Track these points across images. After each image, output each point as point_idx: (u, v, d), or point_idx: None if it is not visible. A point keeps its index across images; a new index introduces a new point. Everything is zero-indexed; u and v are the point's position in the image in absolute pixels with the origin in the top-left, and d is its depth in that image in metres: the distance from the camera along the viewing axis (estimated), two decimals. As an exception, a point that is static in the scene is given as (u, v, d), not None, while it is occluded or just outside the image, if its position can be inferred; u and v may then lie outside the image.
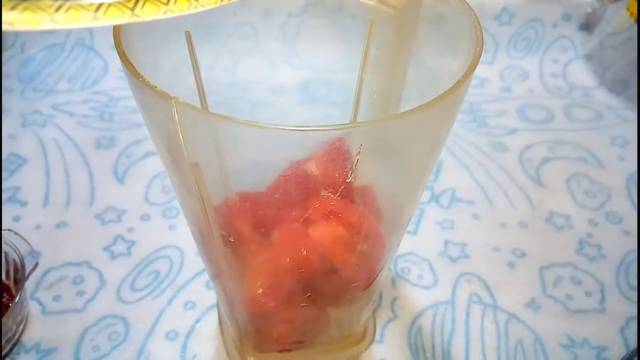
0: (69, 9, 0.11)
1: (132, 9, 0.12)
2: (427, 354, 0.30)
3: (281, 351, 0.27)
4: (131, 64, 0.16)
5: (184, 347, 0.30)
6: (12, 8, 0.10)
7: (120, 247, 0.35)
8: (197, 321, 0.31)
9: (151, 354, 0.29)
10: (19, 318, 0.29)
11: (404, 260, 0.35)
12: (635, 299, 0.33)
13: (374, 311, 0.32)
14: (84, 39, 0.50)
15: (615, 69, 0.50)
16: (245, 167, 0.18)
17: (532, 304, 0.33)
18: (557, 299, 0.33)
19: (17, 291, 0.29)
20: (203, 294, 0.32)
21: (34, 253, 0.31)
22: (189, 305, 0.32)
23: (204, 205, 0.19)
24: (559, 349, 0.31)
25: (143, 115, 0.19)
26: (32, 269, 0.30)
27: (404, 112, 0.16)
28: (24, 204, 0.37)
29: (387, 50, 0.26)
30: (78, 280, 0.33)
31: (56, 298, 0.32)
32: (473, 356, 0.30)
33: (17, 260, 0.30)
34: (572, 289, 0.34)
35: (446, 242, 0.36)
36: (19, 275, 0.30)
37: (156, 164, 0.41)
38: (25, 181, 0.39)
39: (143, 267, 0.34)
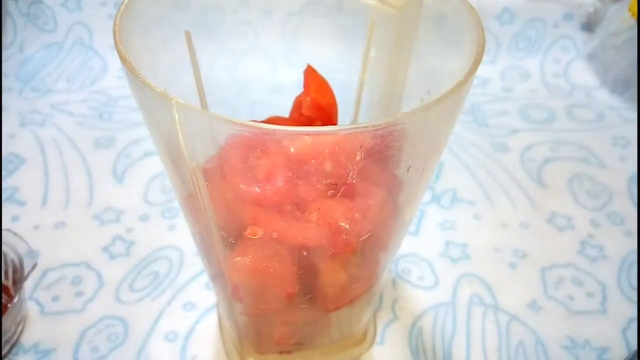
0: None
1: None
2: (428, 355, 0.30)
3: (281, 353, 0.27)
4: (131, 64, 0.16)
5: (184, 348, 0.30)
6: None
7: (119, 247, 0.35)
8: (197, 322, 0.31)
9: (150, 355, 0.29)
10: (18, 319, 0.29)
11: (405, 261, 0.35)
12: (637, 300, 0.33)
13: (375, 312, 0.32)
14: (82, 38, 0.50)
15: (617, 69, 0.50)
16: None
17: (533, 305, 0.33)
18: (558, 300, 0.33)
19: (15, 291, 0.29)
20: (203, 294, 0.32)
21: (32, 253, 0.30)
22: (189, 306, 0.32)
23: (204, 206, 0.19)
24: (561, 350, 0.31)
25: (143, 116, 0.19)
26: (30, 270, 0.30)
27: (406, 112, 0.16)
28: (22, 203, 0.37)
29: (388, 49, 0.26)
30: (77, 281, 0.33)
31: (55, 299, 0.32)
32: (474, 357, 0.30)
33: (16, 260, 0.30)
34: (573, 290, 0.34)
35: (447, 243, 0.36)
36: (18, 276, 0.29)
37: (155, 164, 0.40)
38: (23, 181, 0.39)
39: (142, 268, 0.34)
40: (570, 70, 0.53)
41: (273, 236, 0.19)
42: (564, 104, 0.49)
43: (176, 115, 0.15)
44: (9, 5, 0.49)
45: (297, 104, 0.24)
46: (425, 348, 0.30)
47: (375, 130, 0.15)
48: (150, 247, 0.35)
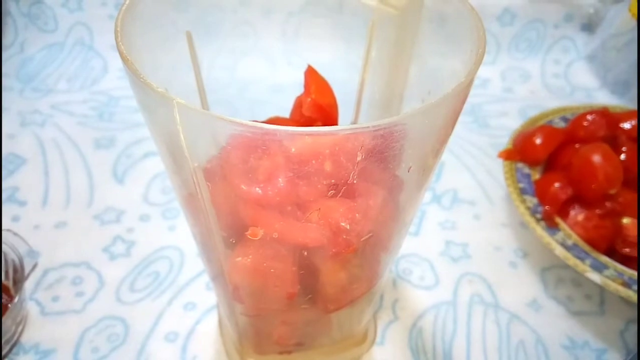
0: None
1: None
2: (429, 355, 0.30)
3: (281, 353, 0.27)
4: (132, 64, 0.16)
5: (184, 348, 0.30)
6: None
7: (120, 247, 0.35)
8: (197, 322, 0.31)
9: (151, 355, 0.29)
10: (18, 319, 0.29)
11: (406, 261, 0.35)
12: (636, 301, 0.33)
13: (375, 312, 0.32)
14: (83, 39, 0.50)
15: (618, 70, 0.50)
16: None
17: (534, 304, 0.33)
18: (558, 299, 0.33)
19: (16, 292, 0.29)
20: (203, 295, 0.32)
21: (33, 253, 0.30)
22: (189, 306, 0.32)
23: (205, 207, 0.19)
24: (560, 350, 0.31)
25: (144, 116, 0.19)
26: (31, 270, 0.30)
27: (406, 113, 0.16)
28: (22, 203, 0.37)
29: (389, 50, 0.26)
30: (77, 281, 0.33)
31: (55, 299, 0.32)
32: (474, 357, 0.30)
33: (16, 260, 0.30)
34: (572, 290, 0.34)
35: (448, 243, 0.36)
36: (18, 276, 0.29)
37: (156, 164, 0.40)
38: (24, 181, 0.39)
39: (143, 268, 0.34)
40: (571, 71, 0.53)
41: (274, 236, 0.19)
42: (564, 104, 0.49)
43: (177, 115, 0.15)
44: (10, 6, 0.49)
45: (298, 104, 0.24)
46: (426, 348, 0.30)
47: (375, 130, 0.15)
48: (150, 248, 0.35)
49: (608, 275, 0.30)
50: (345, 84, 0.26)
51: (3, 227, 0.32)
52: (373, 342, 0.31)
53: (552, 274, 0.35)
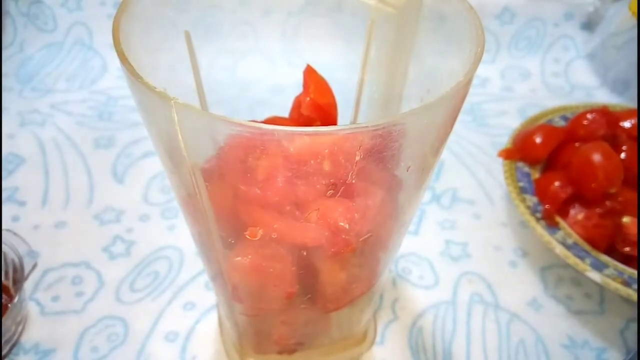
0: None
1: None
2: (428, 355, 0.30)
3: (281, 352, 0.27)
4: (130, 65, 0.16)
5: (184, 348, 0.30)
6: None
7: (119, 247, 0.35)
8: (197, 322, 0.31)
9: (150, 355, 0.29)
10: (18, 319, 0.29)
11: (405, 260, 0.35)
12: (636, 301, 0.33)
13: (375, 312, 0.32)
14: (82, 38, 0.50)
15: (617, 69, 0.50)
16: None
17: (533, 304, 0.33)
18: (558, 299, 0.33)
19: (16, 291, 0.29)
20: (203, 294, 0.32)
21: (32, 253, 0.30)
22: (189, 306, 0.32)
23: (204, 207, 0.19)
24: (560, 349, 0.31)
25: (142, 116, 0.19)
26: (30, 270, 0.30)
27: (405, 112, 0.16)
28: (22, 203, 0.37)
29: (388, 49, 0.26)
30: (77, 281, 0.33)
31: (55, 298, 0.32)
32: (474, 356, 0.30)
33: (16, 260, 0.30)
34: (572, 289, 0.34)
35: (447, 242, 0.36)
36: (18, 276, 0.29)
37: (155, 164, 0.40)
38: (23, 181, 0.39)
39: (142, 268, 0.34)
40: (571, 70, 0.53)
41: (273, 236, 0.19)
42: (564, 103, 0.49)
43: (175, 116, 0.15)
44: (9, 5, 0.49)
45: (297, 104, 0.24)
46: (426, 347, 0.30)
47: (374, 130, 0.15)
48: (150, 247, 0.35)
49: (608, 274, 0.30)
50: (345, 83, 0.26)
51: (3, 227, 0.32)
52: (373, 341, 0.31)
53: (552, 273, 0.35)
